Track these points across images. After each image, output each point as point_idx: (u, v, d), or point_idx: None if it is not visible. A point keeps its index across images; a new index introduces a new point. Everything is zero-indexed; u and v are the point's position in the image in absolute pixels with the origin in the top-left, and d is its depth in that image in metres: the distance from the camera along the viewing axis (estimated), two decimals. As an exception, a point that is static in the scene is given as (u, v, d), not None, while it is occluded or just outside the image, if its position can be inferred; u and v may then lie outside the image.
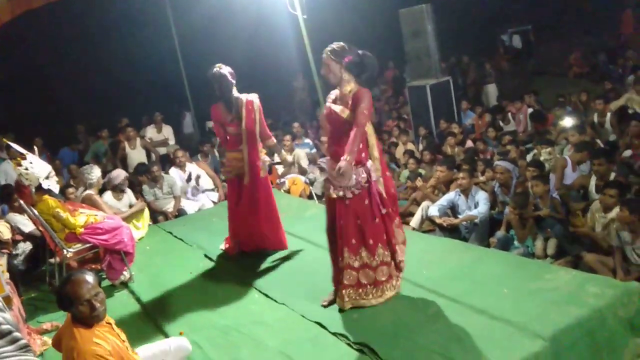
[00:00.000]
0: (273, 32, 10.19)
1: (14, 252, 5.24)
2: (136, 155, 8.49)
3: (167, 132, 9.48)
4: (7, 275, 3.98)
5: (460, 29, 13.51)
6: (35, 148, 5.68)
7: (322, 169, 3.57)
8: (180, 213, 6.79)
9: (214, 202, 7.23)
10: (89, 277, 2.64)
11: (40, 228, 4.76)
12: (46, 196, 4.54)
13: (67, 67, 11.85)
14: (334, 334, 3.36)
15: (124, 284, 4.71)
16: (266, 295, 4.06)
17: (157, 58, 11.52)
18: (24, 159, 4.44)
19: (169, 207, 6.84)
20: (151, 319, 4.06)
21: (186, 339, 3.22)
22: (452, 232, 5.53)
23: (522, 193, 5.26)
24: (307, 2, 7.08)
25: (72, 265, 4.81)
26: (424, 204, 6.01)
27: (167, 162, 8.31)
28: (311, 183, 7.44)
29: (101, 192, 6.05)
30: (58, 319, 4.17)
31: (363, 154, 3.50)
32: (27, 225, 5.54)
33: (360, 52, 3.48)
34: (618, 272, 4.22)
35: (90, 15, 11.22)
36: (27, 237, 5.58)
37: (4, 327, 2.22)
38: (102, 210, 5.24)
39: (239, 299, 4.10)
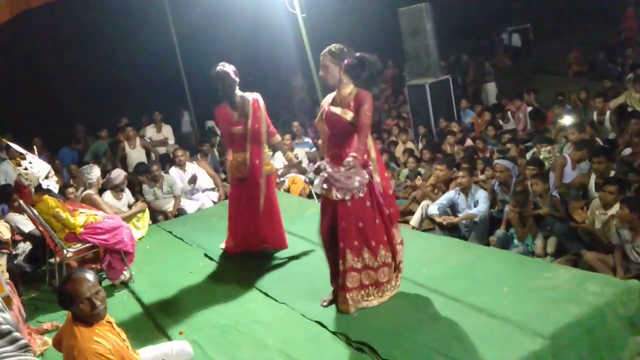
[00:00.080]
0: (272, 31, 10.20)
1: (14, 252, 5.24)
2: (136, 154, 8.49)
3: (167, 131, 9.48)
4: (7, 275, 3.98)
5: (460, 28, 13.52)
6: (35, 148, 5.67)
7: (320, 170, 3.53)
8: (180, 212, 6.79)
9: (213, 201, 7.23)
10: (90, 276, 2.64)
11: (40, 228, 4.75)
12: (46, 196, 4.53)
13: (66, 66, 11.86)
14: (334, 333, 3.36)
15: (124, 284, 4.71)
16: (266, 295, 4.06)
17: (157, 57, 11.52)
18: (24, 158, 4.44)
19: (169, 206, 6.84)
20: (151, 318, 4.06)
21: (188, 343, 3.22)
22: (452, 230, 5.53)
23: (521, 191, 5.26)
24: (306, 1, 7.08)
25: (72, 265, 4.80)
26: (424, 202, 6.01)
27: (167, 161, 8.31)
28: (311, 182, 7.44)
29: (101, 191, 6.05)
30: (58, 319, 4.17)
31: (365, 156, 3.49)
32: (27, 225, 5.54)
33: (358, 54, 3.48)
34: (618, 270, 4.22)
35: (89, 14, 11.23)
36: (27, 237, 5.58)
37: (4, 327, 2.22)
38: (102, 210, 5.24)
39: (239, 298, 4.10)
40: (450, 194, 5.78)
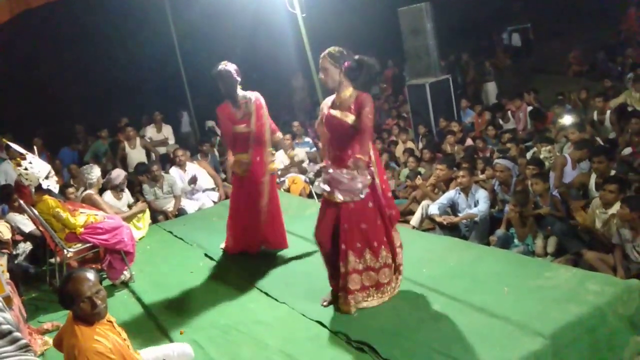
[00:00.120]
0: (272, 30, 10.19)
1: (14, 252, 5.24)
2: (136, 154, 8.50)
3: (167, 131, 9.48)
4: (7, 275, 3.98)
5: (460, 28, 13.51)
6: (35, 148, 5.68)
7: (320, 173, 3.54)
8: (180, 212, 6.79)
9: (214, 201, 7.23)
10: (90, 275, 2.65)
11: (40, 228, 4.76)
12: (46, 196, 4.53)
13: (66, 66, 11.85)
14: (335, 332, 3.36)
15: (125, 284, 4.71)
16: (266, 294, 4.06)
17: (157, 57, 11.51)
18: (24, 159, 4.44)
19: (169, 206, 6.84)
20: (152, 318, 4.06)
21: (189, 345, 3.22)
22: (452, 230, 5.53)
23: (522, 191, 5.26)
24: (306, 1, 7.07)
25: (72, 265, 4.81)
26: (424, 202, 6.01)
27: (167, 161, 8.31)
28: (311, 182, 7.44)
29: (101, 191, 6.05)
30: (59, 318, 4.17)
31: (367, 158, 3.50)
32: (27, 225, 5.54)
33: (357, 56, 3.47)
34: (618, 269, 4.22)
35: (89, 14, 11.22)
36: (27, 237, 5.59)
37: (4, 327, 2.23)
38: (102, 210, 5.24)
39: (240, 298, 4.11)
40: (451, 193, 5.78)
